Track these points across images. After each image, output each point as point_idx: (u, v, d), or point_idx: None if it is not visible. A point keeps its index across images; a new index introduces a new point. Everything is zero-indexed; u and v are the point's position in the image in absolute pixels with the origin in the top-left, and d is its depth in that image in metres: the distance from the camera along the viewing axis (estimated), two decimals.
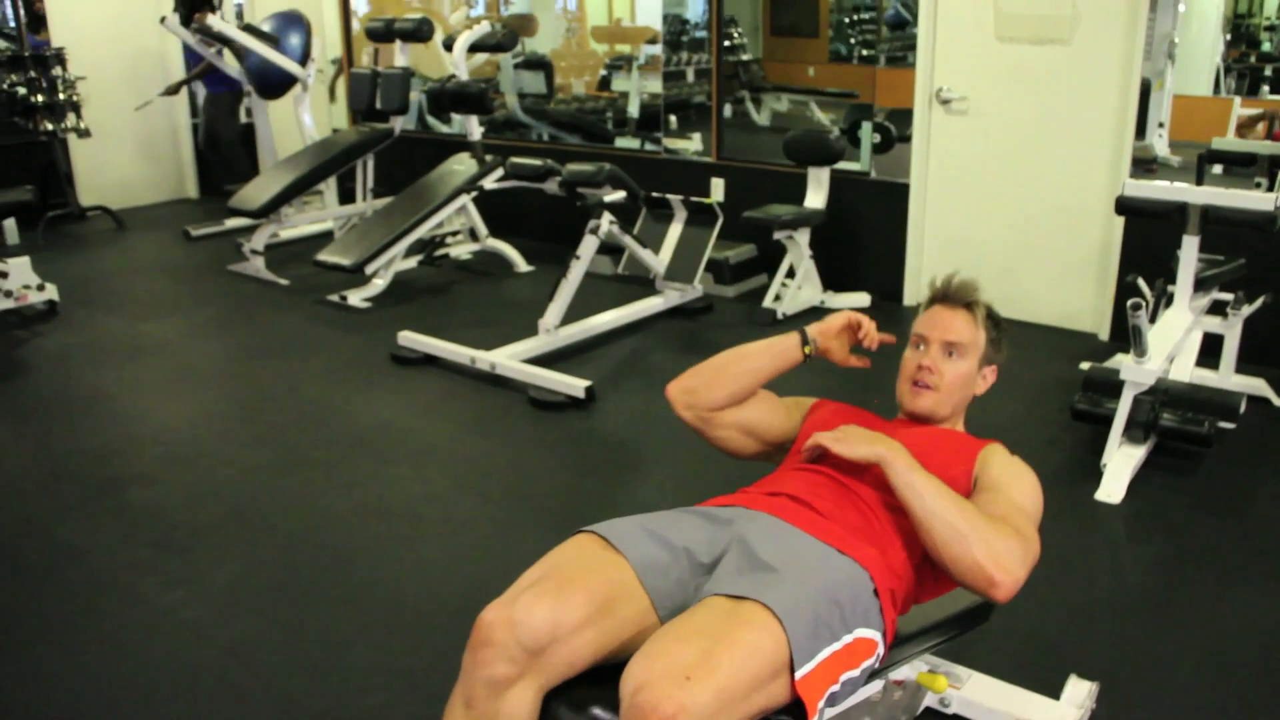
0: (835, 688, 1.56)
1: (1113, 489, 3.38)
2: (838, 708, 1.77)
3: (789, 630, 1.49)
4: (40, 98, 7.34)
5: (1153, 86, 4.83)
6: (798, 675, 1.49)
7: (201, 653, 2.67)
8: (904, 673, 2.23)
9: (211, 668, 2.61)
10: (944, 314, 2.12)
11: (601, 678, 1.57)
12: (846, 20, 6.30)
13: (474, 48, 6.39)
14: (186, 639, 2.73)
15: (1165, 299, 4.10)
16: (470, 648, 1.59)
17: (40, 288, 5.47)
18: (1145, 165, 4.83)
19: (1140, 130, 4.78)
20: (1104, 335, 4.89)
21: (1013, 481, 1.91)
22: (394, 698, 2.47)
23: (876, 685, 2.10)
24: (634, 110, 6.96)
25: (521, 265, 6.41)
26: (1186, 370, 4.00)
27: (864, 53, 5.95)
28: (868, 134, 5.62)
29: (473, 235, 6.57)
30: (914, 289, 5.47)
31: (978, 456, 1.99)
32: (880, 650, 1.70)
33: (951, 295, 2.14)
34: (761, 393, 2.18)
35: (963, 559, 1.68)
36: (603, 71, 7.40)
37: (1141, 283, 4.23)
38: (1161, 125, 4.94)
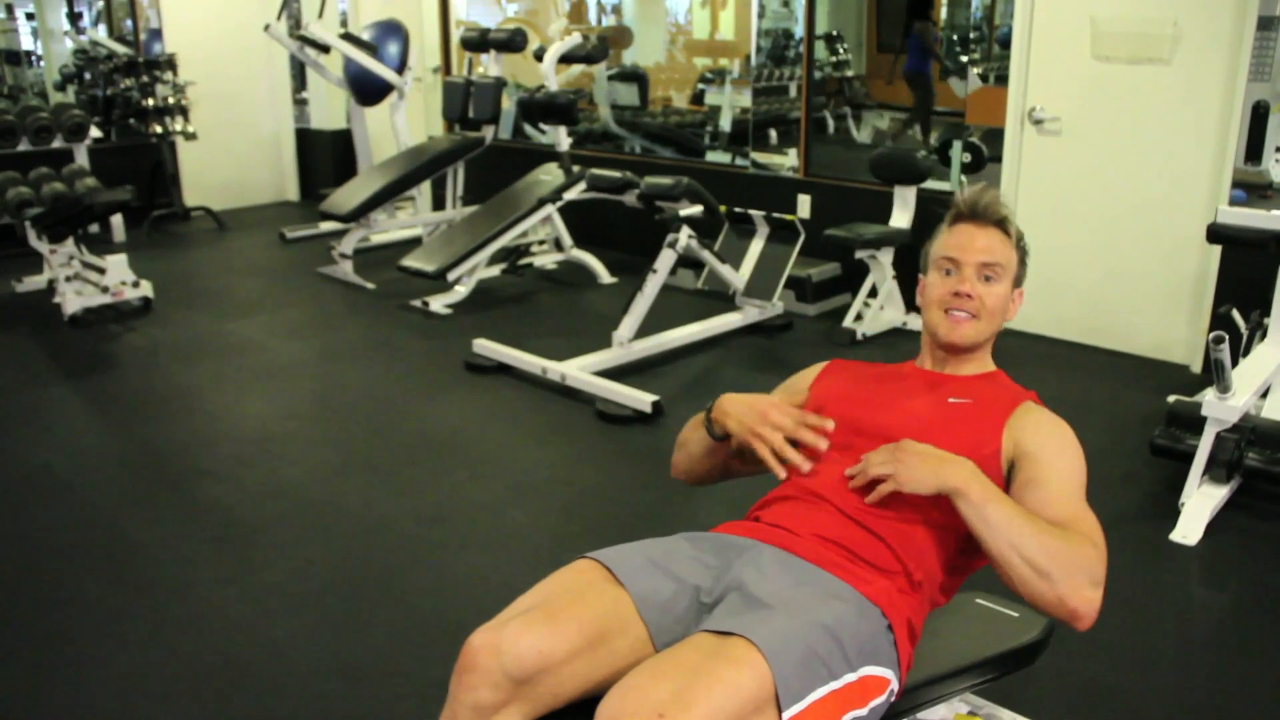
0: None
1: (1189, 530, 3.22)
2: None
3: (774, 668, 1.42)
4: (151, 101, 7.62)
5: (1271, 109, 4.62)
6: (785, 716, 1.42)
7: (244, 649, 2.70)
8: (941, 713, 2.14)
9: (251, 664, 2.64)
10: (975, 233, 1.90)
11: (590, 706, 1.53)
12: (956, 38, 6.18)
13: (564, 59, 6.42)
14: (231, 634, 2.77)
15: (1261, 332, 3.91)
16: (456, 671, 1.55)
17: (136, 284, 5.64)
18: (1260, 191, 4.62)
19: (1257, 154, 4.57)
20: (1196, 368, 4.69)
21: (1058, 450, 1.76)
22: (423, 706, 2.46)
23: None
24: (725, 124, 6.92)
25: (605, 277, 6.42)
26: None
27: (975, 72, 5.81)
28: (958, 153, 5.49)
29: (558, 245, 6.61)
30: None
31: (1007, 422, 1.80)
32: (894, 686, 1.62)
33: (982, 212, 1.91)
34: None
35: (1044, 596, 1.60)
36: (700, 86, 7.38)
37: (1236, 314, 4.04)
38: (1279, 150, 4.71)
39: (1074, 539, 1.62)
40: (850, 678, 1.52)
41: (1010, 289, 1.91)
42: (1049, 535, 1.60)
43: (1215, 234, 3.68)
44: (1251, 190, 4.53)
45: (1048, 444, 1.76)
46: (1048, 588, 1.58)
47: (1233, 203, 4.44)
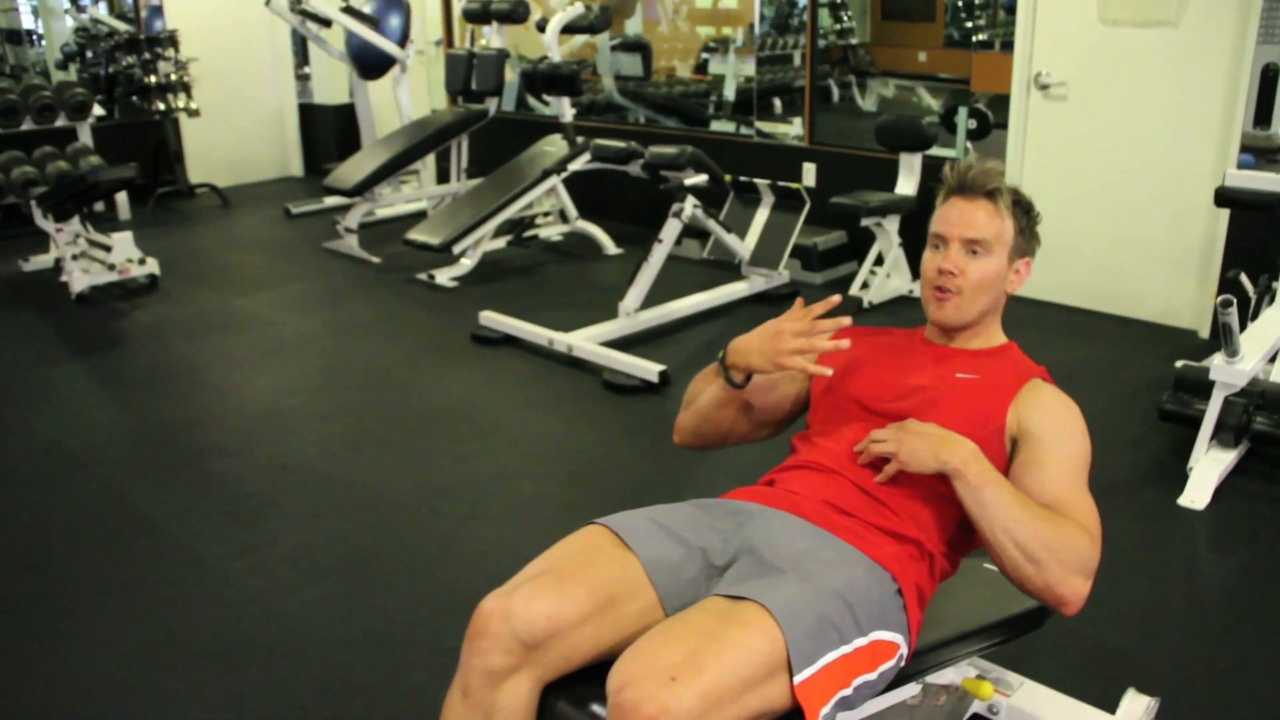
0: (846, 691, 1.50)
1: (1197, 494, 3.22)
2: (859, 710, 1.71)
3: (786, 632, 1.43)
4: (154, 78, 7.60)
5: None
6: (797, 679, 1.43)
7: (256, 621, 2.72)
8: (949, 676, 2.15)
9: (264, 636, 2.66)
10: (962, 207, 1.84)
11: (601, 671, 1.54)
12: (960, 3, 6.12)
13: (567, 29, 6.39)
14: (243, 607, 2.79)
15: (1269, 296, 3.89)
16: (467, 637, 1.57)
17: (142, 262, 5.64)
18: (1269, 155, 4.58)
19: (1266, 118, 4.54)
20: (1204, 333, 4.67)
21: (1060, 431, 1.74)
22: (435, 677, 2.45)
23: (915, 689, 2.03)
24: (729, 94, 6.88)
25: (610, 248, 6.41)
26: None
27: (980, 38, 5.77)
28: (963, 120, 5.46)
29: (563, 217, 6.60)
30: None
31: (1013, 400, 1.79)
32: (903, 651, 1.63)
33: (969, 185, 1.84)
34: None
35: (1032, 581, 1.62)
36: (704, 55, 7.33)
37: (1244, 278, 4.03)
38: None
39: (1068, 528, 1.62)
40: (860, 642, 1.53)
41: (1005, 262, 1.85)
42: (1043, 523, 1.61)
43: (1223, 198, 3.66)
44: (1260, 154, 4.51)
45: (1050, 425, 1.74)
46: (1036, 573, 1.60)
47: (1241, 167, 4.41)
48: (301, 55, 8.96)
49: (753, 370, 1.89)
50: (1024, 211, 1.86)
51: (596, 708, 1.54)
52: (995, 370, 1.85)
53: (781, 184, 5.41)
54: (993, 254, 1.83)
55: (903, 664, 1.66)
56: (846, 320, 1.85)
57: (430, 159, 7.18)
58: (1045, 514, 1.62)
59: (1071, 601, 1.62)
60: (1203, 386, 3.42)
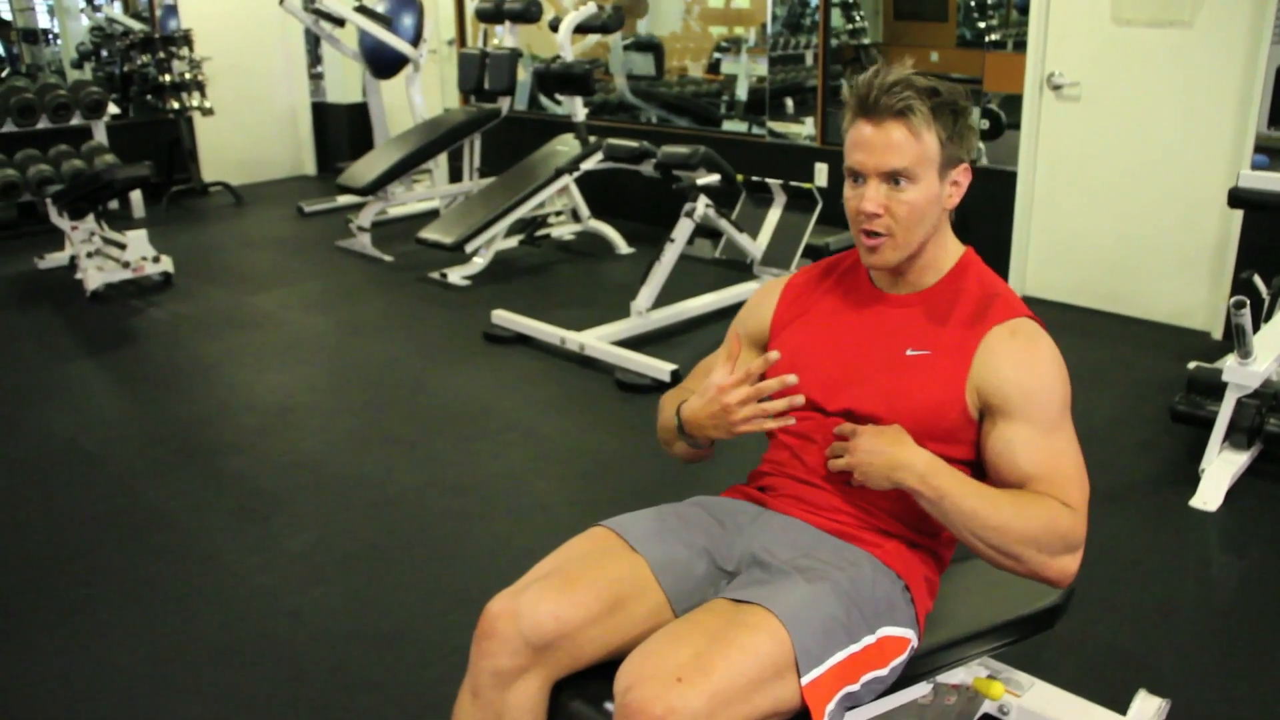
0: (853, 687, 1.51)
1: (1209, 496, 3.21)
2: (870, 709, 1.71)
3: (793, 633, 1.44)
4: (168, 77, 7.64)
5: None
6: (804, 680, 1.44)
7: (269, 618, 2.74)
8: (959, 676, 2.15)
9: (277, 634, 2.67)
10: (872, 134, 1.59)
11: (611, 670, 1.55)
12: (973, 3, 6.11)
13: (580, 29, 6.40)
14: (256, 604, 2.80)
15: None
16: (476, 638, 1.58)
17: (156, 259, 5.67)
18: None
19: None
20: (1217, 334, 4.66)
21: (1026, 391, 1.57)
22: (448, 673, 2.48)
23: (925, 688, 2.03)
24: (742, 93, 6.89)
25: (622, 247, 6.41)
26: None
27: (993, 38, 5.76)
28: (975, 120, 5.45)
29: (575, 216, 6.61)
30: (1019, 281, 5.30)
31: (969, 373, 1.61)
32: (914, 644, 1.63)
33: (874, 108, 1.58)
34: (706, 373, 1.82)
35: (1015, 571, 1.58)
36: (716, 55, 7.33)
37: (1257, 279, 4.01)
38: None
39: (1044, 513, 1.53)
40: (869, 640, 1.54)
41: (936, 182, 1.61)
42: (1017, 519, 1.52)
43: (1237, 199, 3.65)
44: (1274, 155, 4.49)
45: (1015, 388, 1.58)
46: (1017, 565, 1.55)
47: (1255, 167, 4.39)
48: (315, 54, 8.99)
49: (713, 440, 1.76)
50: (950, 116, 1.59)
51: (609, 705, 1.54)
52: (949, 336, 1.65)
53: (794, 184, 5.41)
54: (919, 180, 1.59)
55: (914, 654, 1.66)
56: (793, 379, 1.62)
57: (443, 158, 7.19)
58: (1017, 507, 1.53)
59: (1059, 580, 1.58)
60: (1215, 388, 3.40)
